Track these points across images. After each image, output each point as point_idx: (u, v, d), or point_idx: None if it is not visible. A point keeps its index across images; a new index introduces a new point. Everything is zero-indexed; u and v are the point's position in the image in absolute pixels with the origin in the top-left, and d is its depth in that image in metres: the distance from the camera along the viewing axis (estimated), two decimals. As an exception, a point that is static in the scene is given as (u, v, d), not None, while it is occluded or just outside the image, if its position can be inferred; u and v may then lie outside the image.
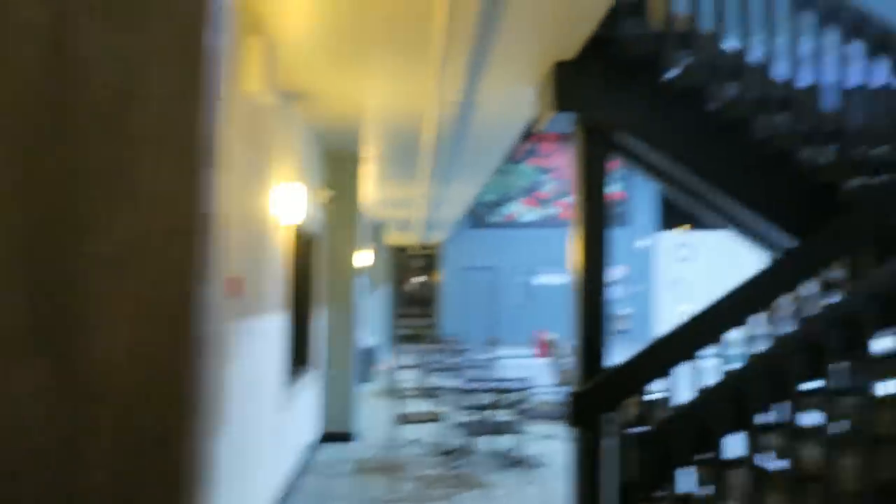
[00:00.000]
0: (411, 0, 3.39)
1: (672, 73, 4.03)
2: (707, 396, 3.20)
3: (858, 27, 3.97)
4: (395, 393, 7.69)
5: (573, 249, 4.33)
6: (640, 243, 21.89)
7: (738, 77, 3.97)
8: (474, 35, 3.86)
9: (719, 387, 3.07)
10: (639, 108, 4.07)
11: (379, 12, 3.53)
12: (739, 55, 3.99)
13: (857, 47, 4.00)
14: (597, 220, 4.27)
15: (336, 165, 7.47)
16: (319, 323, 7.20)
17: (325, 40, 4.00)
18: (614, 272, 21.65)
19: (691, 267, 20.94)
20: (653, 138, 4.10)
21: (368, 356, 12.39)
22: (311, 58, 4.30)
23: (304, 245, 6.30)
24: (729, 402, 2.94)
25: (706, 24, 4.03)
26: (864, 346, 2.81)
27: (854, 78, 4.02)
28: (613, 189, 21.64)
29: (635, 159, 4.68)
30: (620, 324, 20.80)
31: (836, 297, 3.97)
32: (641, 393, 3.99)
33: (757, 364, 2.78)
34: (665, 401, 4.07)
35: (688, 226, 20.73)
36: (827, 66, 3.98)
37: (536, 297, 20.28)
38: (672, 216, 20.28)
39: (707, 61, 3.97)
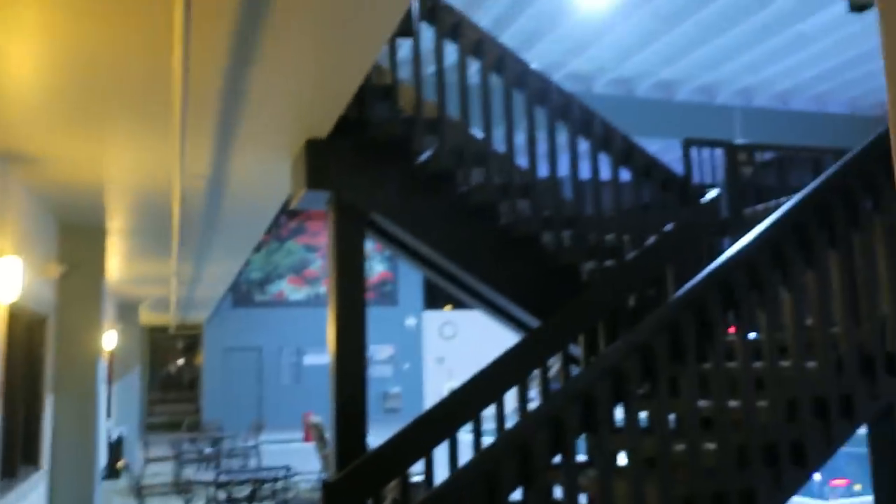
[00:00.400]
0: (147, 67, 3.17)
1: (423, 158, 4.13)
2: (460, 476, 3.15)
3: (585, 124, 4.34)
4: (144, 490, 6.97)
5: (331, 330, 4.21)
6: (408, 322, 22.29)
7: (484, 164, 4.15)
8: (218, 110, 3.71)
9: (471, 466, 3.04)
10: (391, 189, 4.12)
11: (109, 74, 3.26)
12: (485, 143, 4.19)
13: (585, 143, 4.36)
14: (354, 299, 4.20)
15: (76, 238, 6.80)
16: (49, 414, 6.39)
17: (48, 101, 3.62)
18: (383, 351, 21.87)
19: (455, 345, 21.64)
20: (405, 220, 4.15)
21: (115, 449, 11.24)
22: (33, 118, 3.87)
23: (24, 327, 5.59)
24: (481, 482, 2.91)
25: (452, 112, 4.20)
26: (602, 419, 2.93)
27: (585, 171, 4.36)
28: (381, 268, 22.03)
29: (391, 240, 4.71)
30: (391, 403, 20.86)
31: (576, 372, 4.20)
32: (403, 476, 3.90)
33: (507, 441, 2.79)
34: (426, 483, 4.01)
35: (451, 305, 21.49)
36: (561, 158, 4.29)
37: (305, 378, 19.79)
38: (437, 295, 20.93)
39: (455, 147, 4.12)
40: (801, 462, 2.95)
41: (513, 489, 2.76)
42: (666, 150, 9.71)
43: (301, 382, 19.80)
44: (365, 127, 4.04)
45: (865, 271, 3.23)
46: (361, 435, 4.04)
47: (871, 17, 14.94)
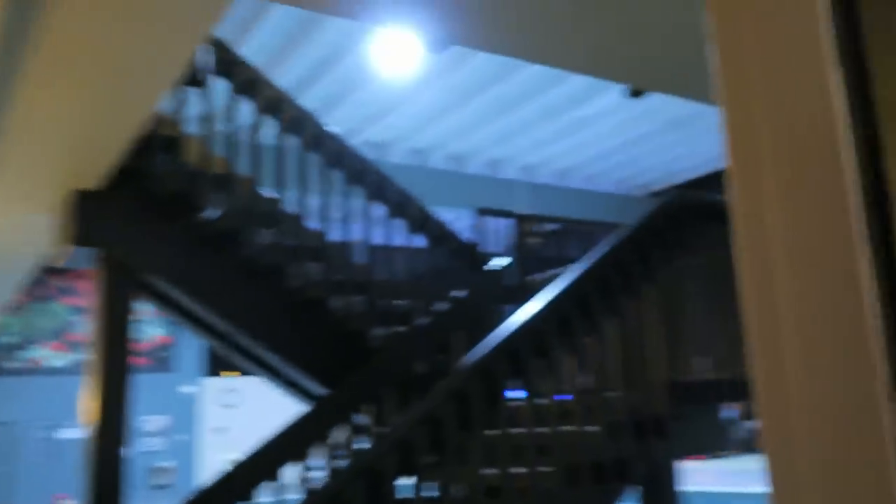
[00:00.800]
0: None
1: (208, 215, 3.89)
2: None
3: (380, 190, 4.33)
4: None
5: (89, 400, 3.76)
6: (185, 389, 20.92)
7: (273, 225, 3.99)
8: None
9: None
10: (171, 248, 3.81)
11: None
12: (276, 202, 4.03)
13: (380, 209, 4.35)
14: (118, 366, 3.79)
15: None
16: None
17: None
18: (155, 422, 20.25)
19: (238, 414, 20.58)
20: (184, 282, 3.85)
21: None
22: None
23: None
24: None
25: (243, 169, 4.02)
26: (387, 492, 2.82)
27: (378, 236, 4.33)
28: (159, 332, 20.57)
29: (168, 303, 4.35)
30: (161, 478, 19.26)
31: (363, 444, 4.06)
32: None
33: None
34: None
35: (237, 372, 20.50)
36: (355, 223, 4.22)
37: (61, 455, 17.78)
38: (220, 361, 19.86)
39: (244, 206, 3.93)
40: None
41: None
42: (456, 220, 10.02)
43: (55, 459, 17.79)
44: (144, 179, 3.72)
45: (637, 339, 3.43)
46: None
47: (641, 105, 16.63)
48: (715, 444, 3.77)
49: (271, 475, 3.81)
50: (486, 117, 16.12)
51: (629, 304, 3.45)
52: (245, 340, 4.17)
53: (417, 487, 2.73)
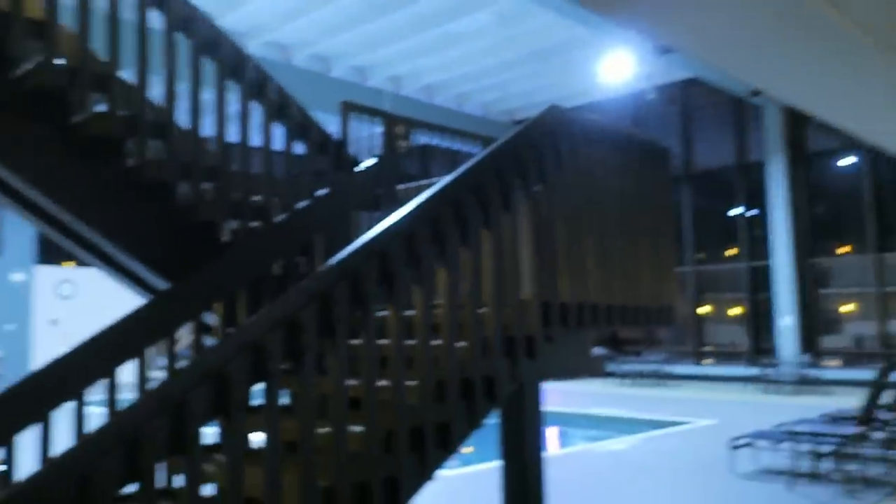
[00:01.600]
0: None
1: (23, 68, 3.26)
2: (50, 472, 2.49)
3: (238, 67, 3.85)
4: None
5: None
6: (14, 277, 19.35)
7: (106, 90, 3.42)
8: None
9: (65, 459, 2.41)
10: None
11: None
12: (109, 66, 3.46)
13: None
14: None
15: None
16: None
17: None
18: (-24, 309, 18.65)
19: (75, 306, 19.30)
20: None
21: None
22: None
23: None
24: (74, 479, 2.30)
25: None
26: (237, 401, 2.51)
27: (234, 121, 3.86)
28: (-20, 214, 18.72)
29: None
30: (-11, 369, 17.87)
31: (210, 344, 3.71)
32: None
33: (111, 433, 2.22)
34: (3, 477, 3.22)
35: (73, 262, 19.17)
36: (207, 105, 3.73)
37: None
38: (56, 249, 18.45)
39: (73, 65, 3.33)
40: (446, 443, 2.85)
41: (118, 487, 2.21)
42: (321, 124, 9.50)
43: None
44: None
45: (511, 256, 3.25)
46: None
47: (512, 30, 16.40)
48: (582, 369, 3.72)
49: (105, 372, 3.41)
50: (354, 19, 15.40)
51: (504, 217, 3.25)
52: (78, 226, 3.65)
53: (270, 396, 2.43)
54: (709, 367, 19.11)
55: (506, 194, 3.22)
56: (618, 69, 15.65)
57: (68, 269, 19.71)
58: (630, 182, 3.97)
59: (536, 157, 3.38)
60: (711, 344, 19.89)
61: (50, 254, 18.84)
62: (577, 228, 3.59)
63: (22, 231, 18.36)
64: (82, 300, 19.28)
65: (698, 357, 19.64)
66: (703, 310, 20.14)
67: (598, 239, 3.71)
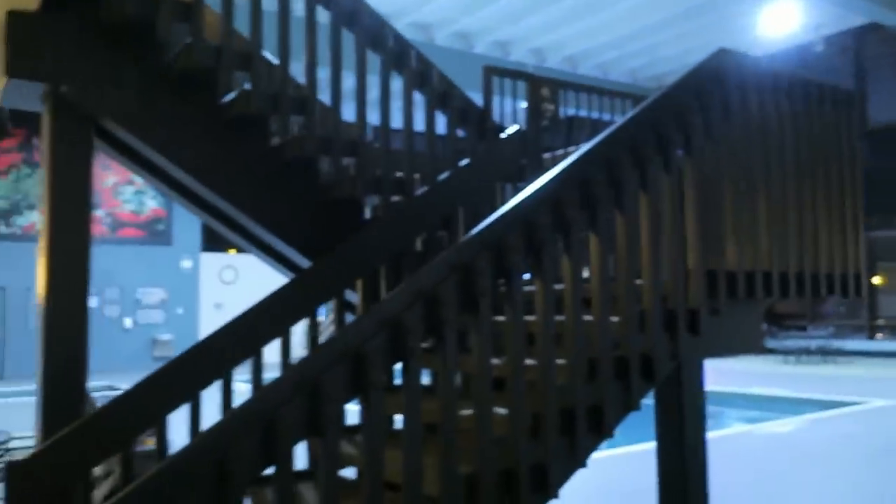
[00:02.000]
0: None
1: (173, 52, 3.30)
2: (191, 453, 2.46)
3: (379, 38, 3.72)
4: None
5: (42, 266, 3.30)
6: (183, 264, 20.70)
7: (249, 68, 3.39)
8: None
9: (205, 442, 2.37)
10: (130, 89, 3.24)
11: None
12: (253, 44, 3.43)
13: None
14: (77, 230, 3.33)
15: None
16: None
17: None
18: (153, 294, 20.13)
19: (236, 290, 20.41)
20: (148, 132, 3.31)
21: None
22: None
23: None
24: (215, 463, 2.25)
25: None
26: (375, 379, 2.39)
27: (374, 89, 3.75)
28: (153, 204, 20.11)
29: (136, 159, 3.82)
30: (162, 350, 19.26)
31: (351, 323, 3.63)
32: (128, 446, 3.15)
33: (250, 412, 2.15)
34: (160, 452, 3.29)
35: (234, 248, 20.24)
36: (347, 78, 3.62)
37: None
38: (219, 236, 19.55)
39: (215, 44, 3.32)
40: (598, 427, 2.60)
41: (257, 468, 2.13)
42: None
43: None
44: (93, 2, 3.11)
45: (672, 220, 2.93)
46: (79, 396, 3.22)
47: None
48: (750, 345, 3.33)
49: (252, 351, 3.41)
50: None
51: (663, 177, 2.93)
52: (231, 211, 3.69)
53: (409, 376, 2.28)
54: (883, 343, 17.51)
55: (666, 152, 2.90)
56: (781, 21, 14.42)
57: (230, 256, 20.85)
58: (809, 132, 3.51)
59: (701, 109, 3.03)
60: (885, 317, 18.21)
61: (213, 242, 19.96)
62: (746, 187, 3.20)
63: (189, 221, 19.55)
64: (243, 285, 20.35)
65: (871, 331, 18.05)
66: (877, 280, 18.46)
67: (771, 198, 3.30)
